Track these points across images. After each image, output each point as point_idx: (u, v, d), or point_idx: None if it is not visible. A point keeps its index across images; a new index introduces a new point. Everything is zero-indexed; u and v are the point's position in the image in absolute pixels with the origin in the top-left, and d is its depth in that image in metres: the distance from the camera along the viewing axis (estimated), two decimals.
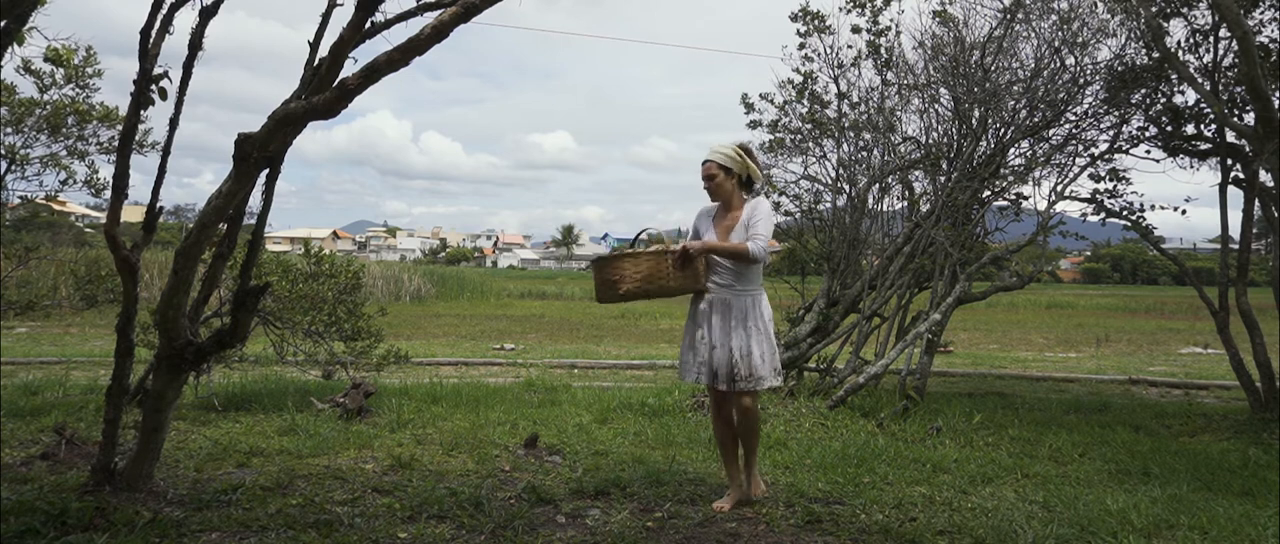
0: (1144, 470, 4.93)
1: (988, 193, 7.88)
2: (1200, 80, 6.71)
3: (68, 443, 4.64)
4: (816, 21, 7.93)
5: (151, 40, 3.62)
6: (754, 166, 4.06)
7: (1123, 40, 7.36)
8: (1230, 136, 6.92)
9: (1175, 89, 7.31)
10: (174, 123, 3.75)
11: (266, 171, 3.74)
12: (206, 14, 3.66)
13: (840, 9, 7.85)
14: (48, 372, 8.22)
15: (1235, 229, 7.00)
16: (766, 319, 3.99)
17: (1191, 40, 7.04)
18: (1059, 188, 7.61)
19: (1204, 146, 7.33)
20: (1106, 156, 7.77)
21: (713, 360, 3.96)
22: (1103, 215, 7.85)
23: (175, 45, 10.57)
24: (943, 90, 7.95)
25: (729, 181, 4.01)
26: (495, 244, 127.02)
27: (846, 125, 7.95)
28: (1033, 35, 7.63)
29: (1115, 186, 7.77)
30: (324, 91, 3.36)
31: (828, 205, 8.20)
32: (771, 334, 3.99)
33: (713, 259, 4.00)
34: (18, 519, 3.32)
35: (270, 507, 3.72)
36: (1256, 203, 6.79)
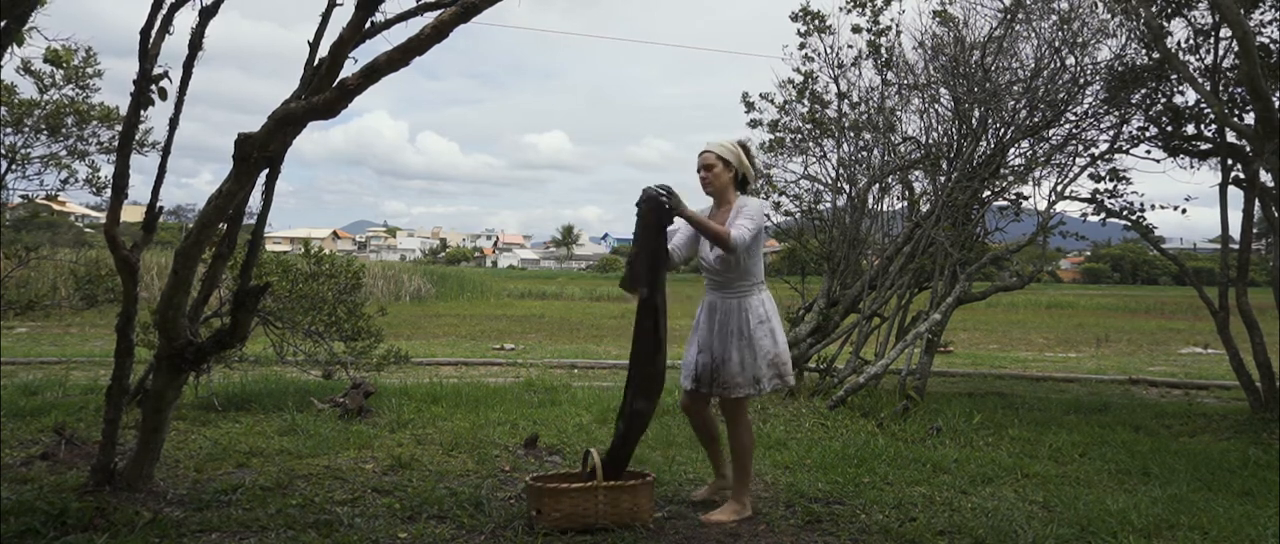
0: (1144, 470, 4.93)
1: (988, 193, 7.88)
2: (1200, 80, 6.71)
3: (68, 443, 4.64)
4: (817, 21, 7.93)
5: (151, 40, 3.62)
6: (750, 166, 3.97)
7: (1123, 40, 7.37)
8: (1230, 136, 6.92)
9: (1175, 89, 7.31)
10: (174, 123, 3.75)
11: (266, 171, 3.75)
12: (206, 14, 3.67)
13: (840, 9, 7.86)
14: (48, 372, 8.21)
15: (1235, 229, 7.00)
16: (754, 324, 3.81)
17: (1192, 40, 7.05)
18: (1059, 188, 7.62)
19: (1204, 146, 7.33)
20: (1106, 156, 7.77)
21: (696, 364, 3.90)
22: (1103, 215, 7.85)
23: (175, 45, 10.58)
24: (943, 90, 7.95)
25: (726, 174, 3.91)
26: (495, 244, 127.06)
27: (846, 125, 7.95)
28: (1033, 35, 7.64)
29: (1115, 186, 7.77)
30: (324, 91, 3.36)
31: (828, 205, 8.20)
32: (760, 340, 3.80)
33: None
34: (18, 519, 3.32)
35: (270, 507, 3.72)
36: (1256, 203, 6.79)
